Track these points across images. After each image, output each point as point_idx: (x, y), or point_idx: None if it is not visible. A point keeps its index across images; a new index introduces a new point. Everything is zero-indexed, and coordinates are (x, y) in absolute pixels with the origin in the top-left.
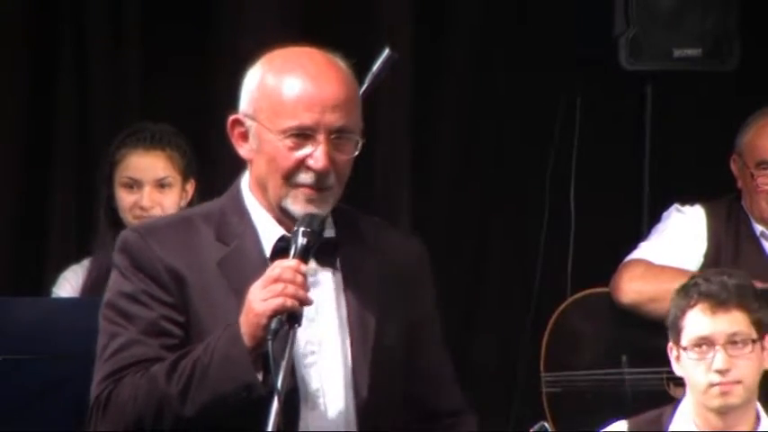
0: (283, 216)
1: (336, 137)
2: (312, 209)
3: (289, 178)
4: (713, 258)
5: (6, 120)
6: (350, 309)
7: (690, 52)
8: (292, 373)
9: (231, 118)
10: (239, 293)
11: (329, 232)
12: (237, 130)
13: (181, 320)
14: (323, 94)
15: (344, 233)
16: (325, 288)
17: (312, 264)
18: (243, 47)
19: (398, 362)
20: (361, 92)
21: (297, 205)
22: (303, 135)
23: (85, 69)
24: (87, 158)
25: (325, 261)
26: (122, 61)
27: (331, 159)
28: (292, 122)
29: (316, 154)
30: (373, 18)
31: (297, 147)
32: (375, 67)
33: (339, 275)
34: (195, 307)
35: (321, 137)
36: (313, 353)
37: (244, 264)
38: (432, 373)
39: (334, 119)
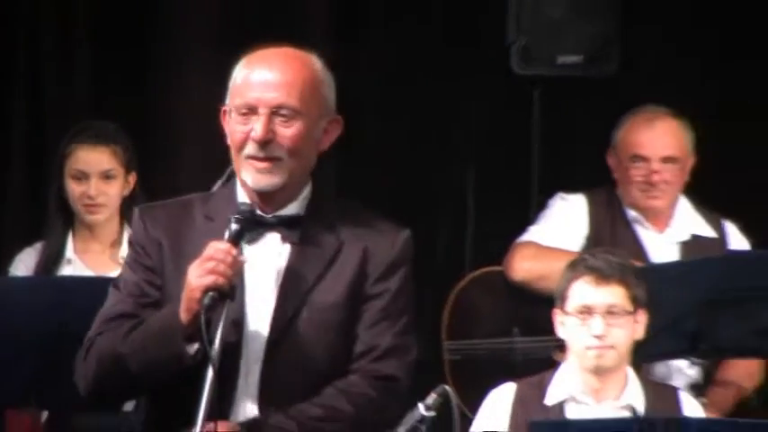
0: (253, 194)
1: (277, 113)
2: (263, 177)
3: (241, 151)
4: (593, 240)
5: None
6: (289, 268)
7: (572, 59)
8: (239, 330)
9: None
10: None
11: (295, 209)
12: (225, 120)
13: (158, 283)
14: (266, 75)
15: (313, 213)
16: (283, 259)
17: (276, 240)
18: (181, 51)
19: (334, 322)
20: None
21: (249, 176)
22: (250, 112)
23: (38, 71)
24: (39, 152)
25: (287, 236)
26: (72, 65)
27: (274, 132)
28: (240, 100)
29: (255, 126)
30: (296, 22)
31: (245, 123)
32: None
33: (297, 247)
34: (168, 272)
35: (262, 111)
36: (265, 315)
37: (219, 238)
38: (365, 336)
39: (273, 96)
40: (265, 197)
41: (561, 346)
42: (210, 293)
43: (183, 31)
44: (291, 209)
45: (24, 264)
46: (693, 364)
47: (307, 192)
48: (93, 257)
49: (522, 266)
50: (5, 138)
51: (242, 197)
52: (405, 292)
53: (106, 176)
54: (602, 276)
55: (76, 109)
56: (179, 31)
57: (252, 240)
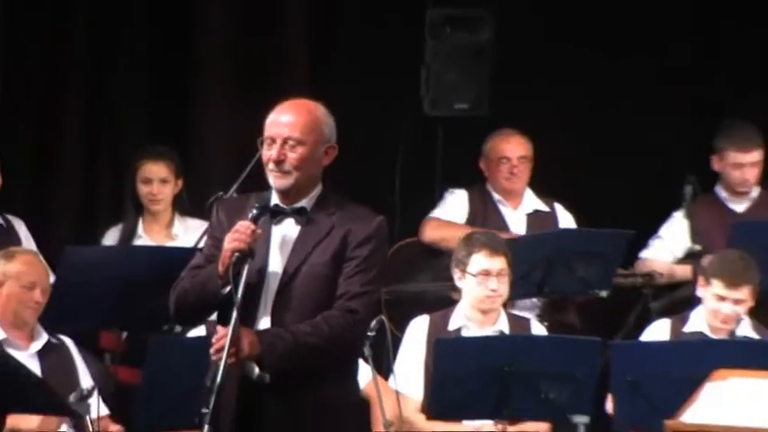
0: (278, 193)
1: (286, 142)
2: (279, 182)
3: (267, 166)
4: (472, 217)
5: (73, 147)
6: (297, 240)
7: (462, 106)
8: (262, 275)
9: None
10: None
11: (304, 203)
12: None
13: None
14: (279, 118)
15: (317, 206)
16: (294, 235)
17: (292, 223)
18: (210, 95)
19: (323, 274)
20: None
21: (271, 181)
22: (272, 142)
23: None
24: (119, 166)
25: (298, 220)
26: (138, 113)
27: (284, 155)
28: (266, 134)
29: (273, 151)
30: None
31: (269, 149)
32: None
33: (303, 228)
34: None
35: (277, 141)
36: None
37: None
38: (343, 285)
39: (282, 131)
40: (284, 195)
41: (455, 288)
42: (236, 254)
43: (211, 80)
44: (302, 203)
45: (111, 237)
46: (540, 300)
47: (315, 192)
48: (154, 235)
49: (430, 234)
50: (92, 160)
51: (273, 196)
52: (373, 257)
53: (163, 181)
54: (494, 250)
55: (141, 139)
56: (208, 80)
57: (277, 222)
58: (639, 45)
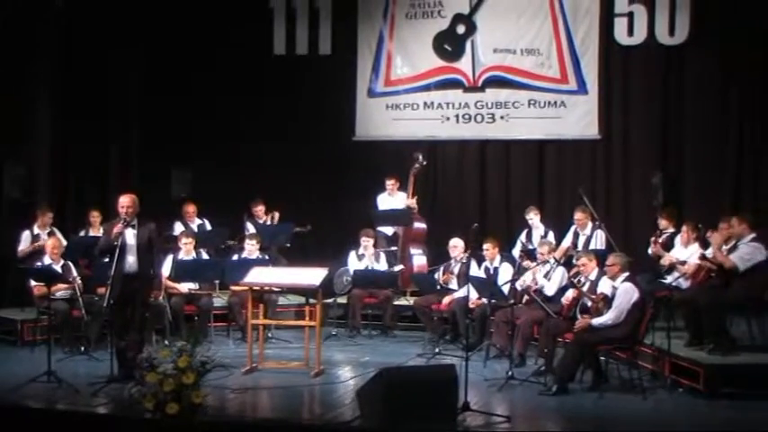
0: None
1: (127, 208)
2: (127, 218)
3: (120, 213)
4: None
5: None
6: (136, 233)
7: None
8: (124, 241)
9: None
10: None
11: (135, 222)
12: None
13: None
14: (122, 201)
15: (138, 222)
16: (135, 232)
17: (131, 228)
18: None
19: (145, 243)
20: None
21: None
22: (121, 209)
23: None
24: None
25: (133, 226)
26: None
27: (125, 212)
28: (119, 206)
29: (123, 210)
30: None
31: (121, 210)
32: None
33: (136, 229)
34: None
35: (124, 209)
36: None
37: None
38: (151, 244)
39: (124, 206)
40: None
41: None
42: (118, 233)
43: None
44: (134, 222)
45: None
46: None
47: (137, 218)
48: (93, 231)
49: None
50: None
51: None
52: (155, 238)
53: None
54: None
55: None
56: None
57: (129, 227)
58: None
